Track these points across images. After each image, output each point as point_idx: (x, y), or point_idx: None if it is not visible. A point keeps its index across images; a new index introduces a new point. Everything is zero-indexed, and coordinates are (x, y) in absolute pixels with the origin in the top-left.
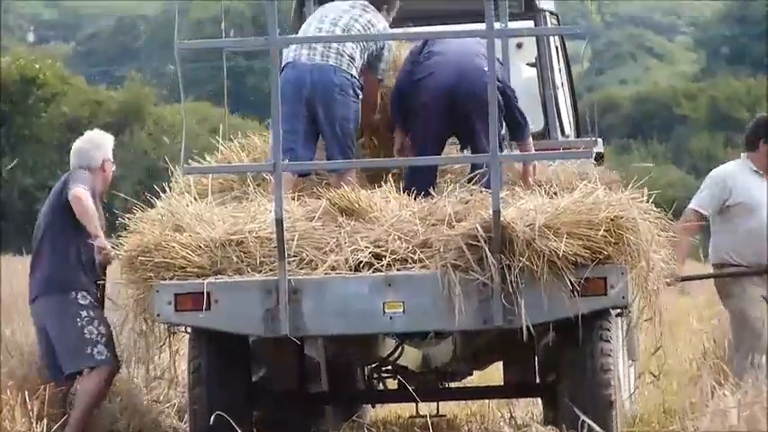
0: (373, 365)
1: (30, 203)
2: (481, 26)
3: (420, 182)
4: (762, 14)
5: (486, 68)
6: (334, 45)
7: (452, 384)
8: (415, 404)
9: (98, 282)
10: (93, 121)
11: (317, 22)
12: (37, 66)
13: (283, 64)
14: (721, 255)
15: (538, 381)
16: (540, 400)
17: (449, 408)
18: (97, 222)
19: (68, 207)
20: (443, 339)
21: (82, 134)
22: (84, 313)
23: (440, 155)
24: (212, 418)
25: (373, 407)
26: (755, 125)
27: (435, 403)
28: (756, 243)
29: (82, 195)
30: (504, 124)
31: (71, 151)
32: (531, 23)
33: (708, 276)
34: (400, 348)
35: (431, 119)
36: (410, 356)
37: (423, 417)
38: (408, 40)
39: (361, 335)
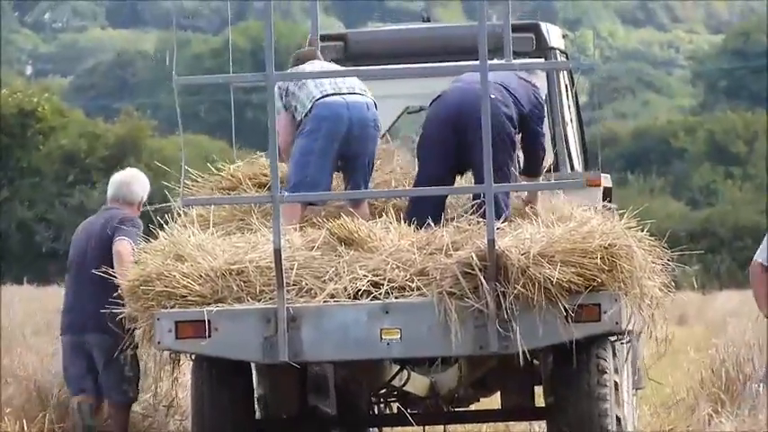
0: (381, 391)
1: (28, 235)
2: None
3: (421, 213)
4: (760, 49)
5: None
6: (353, 82)
7: (457, 409)
8: (422, 428)
9: None
10: (91, 154)
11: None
12: (35, 99)
13: (308, 103)
14: None
15: (542, 404)
16: (538, 424)
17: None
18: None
19: (89, 249)
20: (450, 366)
21: (76, 167)
22: (126, 352)
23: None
24: None
25: (380, 431)
26: None
27: (442, 427)
28: None
29: (125, 252)
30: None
31: (111, 181)
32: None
33: None
34: (407, 375)
35: (432, 150)
36: (417, 383)
37: None
38: (407, 77)
39: (366, 361)
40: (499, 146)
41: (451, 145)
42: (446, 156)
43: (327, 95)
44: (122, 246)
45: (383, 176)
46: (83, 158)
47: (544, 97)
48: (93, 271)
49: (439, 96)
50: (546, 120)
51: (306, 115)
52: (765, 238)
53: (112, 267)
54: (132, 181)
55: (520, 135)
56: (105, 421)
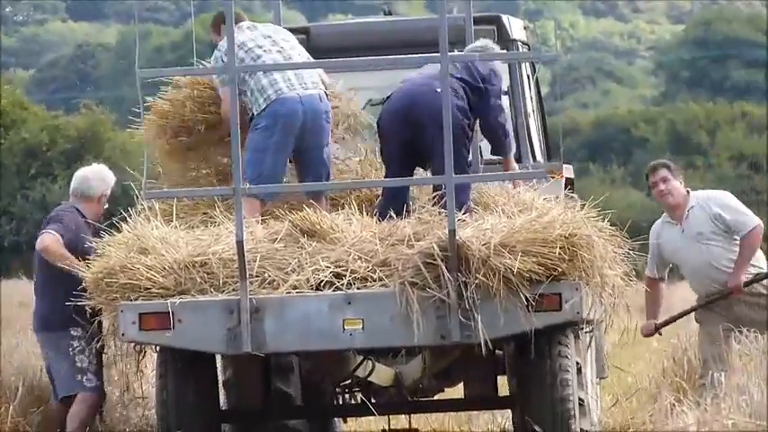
0: (346, 382)
1: None
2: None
3: (386, 209)
4: (721, 38)
5: (436, 89)
6: (304, 73)
7: (421, 399)
8: (387, 418)
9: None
10: (53, 147)
11: (270, 45)
12: None
13: (263, 102)
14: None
15: (506, 394)
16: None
17: (414, 423)
18: (70, 259)
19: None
20: (414, 357)
21: (38, 160)
22: (75, 344)
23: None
24: None
25: (345, 421)
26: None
27: (406, 417)
28: (698, 286)
29: (47, 244)
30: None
31: (74, 176)
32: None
33: (678, 317)
34: (372, 365)
35: (389, 142)
36: (382, 374)
37: (395, 430)
38: (369, 69)
39: (330, 352)
40: (454, 136)
41: (407, 140)
42: (403, 153)
43: (280, 93)
44: (42, 241)
45: (343, 168)
46: (44, 152)
47: (505, 88)
48: (36, 273)
49: (388, 98)
50: (503, 96)
51: (260, 113)
52: (649, 253)
53: (50, 267)
54: (92, 176)
55: (477, 121)
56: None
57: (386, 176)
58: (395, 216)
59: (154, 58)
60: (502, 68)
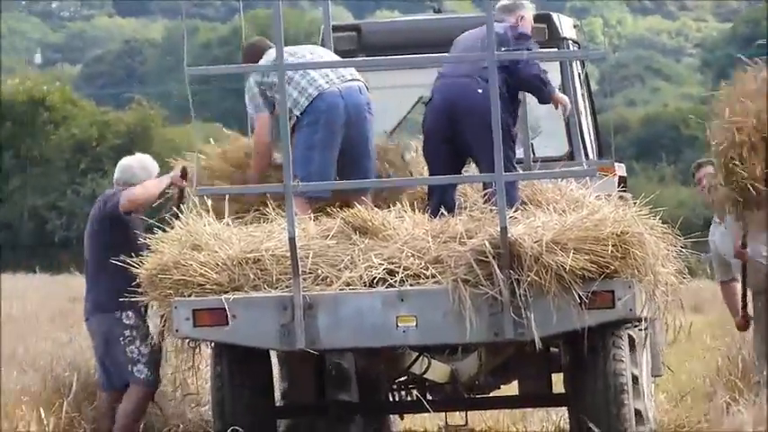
0: (402, 379)
1: (39, 224)
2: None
3: (434, 201)
4: None
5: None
6: (344, 70)
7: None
8: (444, 415)
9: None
10: (102, 142)
11: (298, 59)
12: (45, 88)
13: (304, 100)
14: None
15: (560, 392)
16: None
17: (470, 420)
18: (156, 182)
19: (107, 227)
20: (470, 354)
21: (87, 156)
22: (127, 333)
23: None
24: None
25: (402, 418)
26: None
27: (464, 414)
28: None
29: (133, 192)
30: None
31: (117, 166)
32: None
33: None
34: (428, 362)
35: (433, 141)
36: (438, 370)
37: (451, 427)
38: (413, 67)
39: (384, 348)
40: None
41: (448, 138)
42: (445, 151)
43: (321, 89)
44: (125, 193)
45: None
46: (94, 147)
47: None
48: (89, 259)
49: (430, 99)
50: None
51: (303, 112)
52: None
53: (107, 250)
54: (135, 164)
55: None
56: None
57: (430, 175)
58: (446, 213)
59: (201, 54)
60: (555, 67)
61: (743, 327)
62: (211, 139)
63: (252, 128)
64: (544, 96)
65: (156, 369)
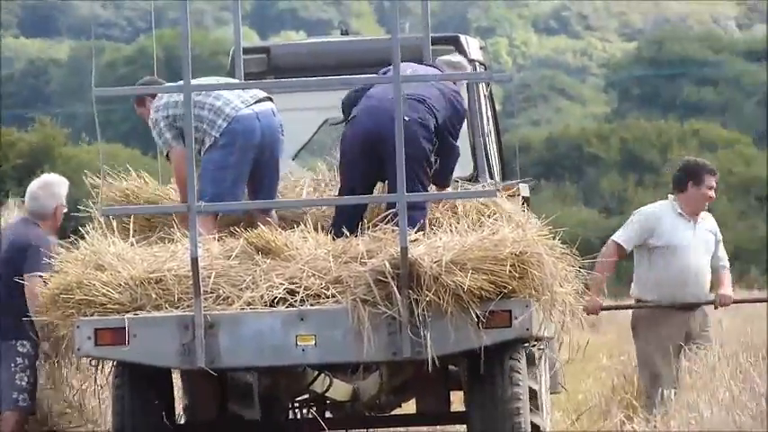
0: (304, 398)
1: None
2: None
3: (340, 225)
4: (673, 57)
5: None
6: (256, 90)
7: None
8: None
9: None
10: (5, 162)
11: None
12: None
13: (222, 122)
14: (642, 291)
15: (458, 410)
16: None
17: None
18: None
19: (15, 261)
20: (371, 373)
21: None
22: (19, 360)
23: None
24: None
25: None
26: (684, 167)
27: None
28: (676, 284)
29: (35, 291)
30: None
31: (26, 192)
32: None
33: (627, 307)
34: (329, 381)
35: (350, 162)
36: (339, 389)
37: None
38: (320, 89)
39: (284, 367)
40: (415, 163)
41: (369, 164)
42: (364, 173)
43: (236, 111)
44: (32, 284)
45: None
46: None
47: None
48: None
49: (354, 117)
50: (464, 129)
51: (221, 134)
52: (628, 220)
53: (12, 277)
54: (41, 193)
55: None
56: None
57: (340, 193)
58: (349, 234)
59: (106, 74)
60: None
61: (593, 313)
62: (114, 165)
63: (162, 153)
64: (444, 180)
65: (35, 396)
